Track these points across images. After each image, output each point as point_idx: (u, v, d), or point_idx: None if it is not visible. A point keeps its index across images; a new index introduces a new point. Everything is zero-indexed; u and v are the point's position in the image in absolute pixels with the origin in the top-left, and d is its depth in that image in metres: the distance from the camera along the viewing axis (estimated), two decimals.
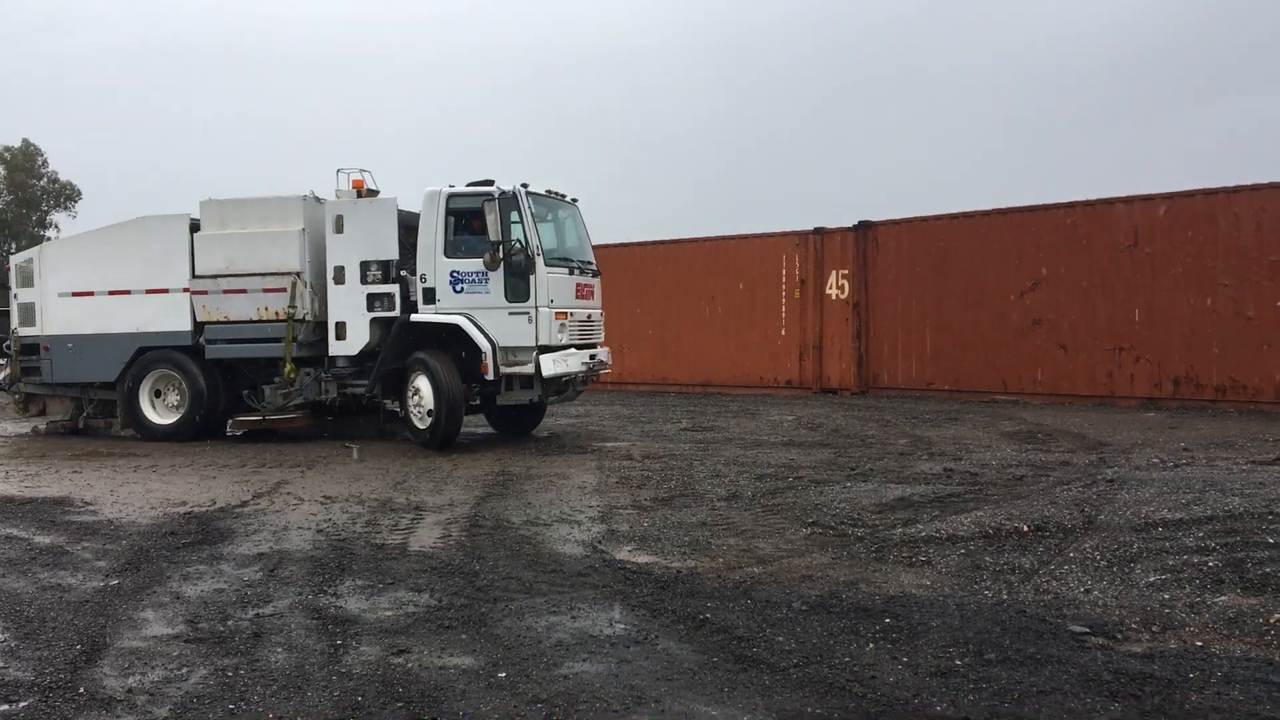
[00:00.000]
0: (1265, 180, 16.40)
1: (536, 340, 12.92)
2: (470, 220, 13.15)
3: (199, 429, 14.56)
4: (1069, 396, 18.20)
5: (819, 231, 21.82)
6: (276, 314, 14.00)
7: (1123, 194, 18.03)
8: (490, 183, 13.14)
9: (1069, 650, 5.26)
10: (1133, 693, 4.67)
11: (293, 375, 14.04)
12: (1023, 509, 8.31)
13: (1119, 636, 5.46)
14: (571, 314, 13.46)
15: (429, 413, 13.10)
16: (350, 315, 13.86)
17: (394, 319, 13.67)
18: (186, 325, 14.52)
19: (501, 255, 12.82)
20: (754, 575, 6.86)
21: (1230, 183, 16.77)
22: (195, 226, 14.63)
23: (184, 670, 5.13)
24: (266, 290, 14.10)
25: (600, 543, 7.89)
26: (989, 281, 19.36)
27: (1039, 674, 4.94)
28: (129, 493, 10.28)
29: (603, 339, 14.71)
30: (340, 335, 13.92)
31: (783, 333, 22.16)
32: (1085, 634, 5.50)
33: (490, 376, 12.88)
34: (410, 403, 13.35)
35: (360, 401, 14.30)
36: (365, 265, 13.73)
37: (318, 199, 14.31)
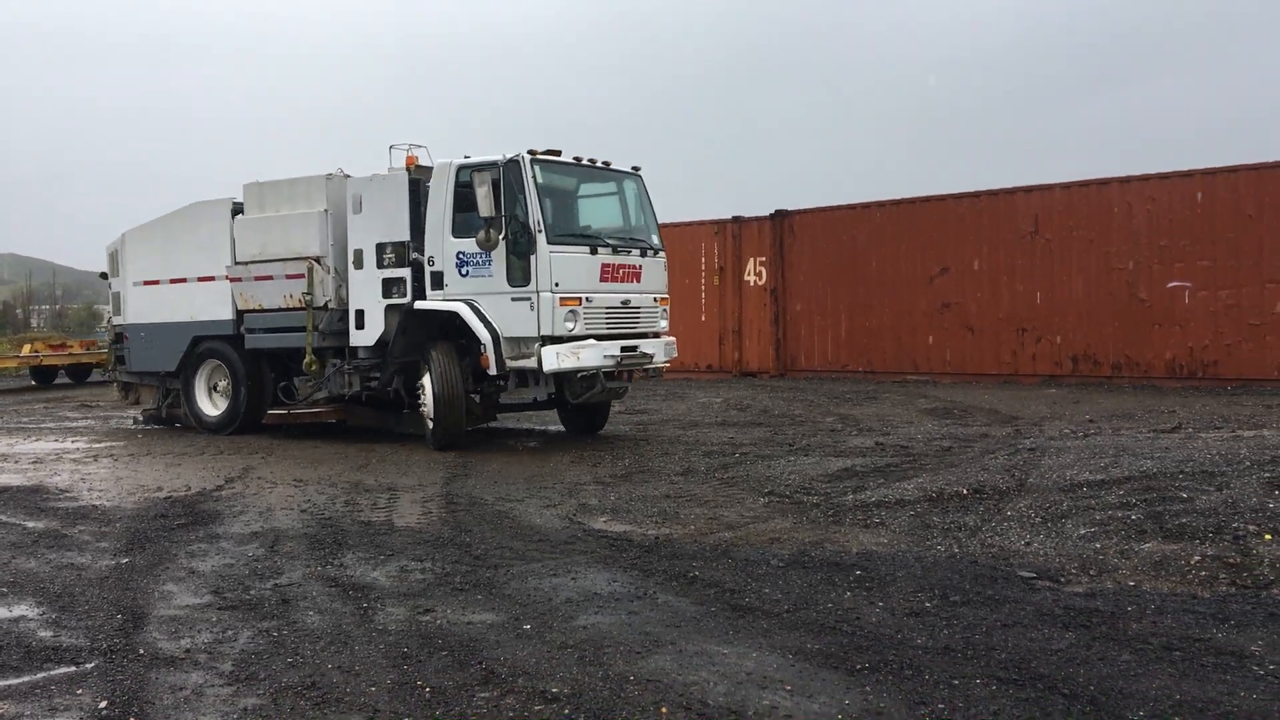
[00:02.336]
0: (1154, 171, 17.60)
1: (538, 330, 11.32)
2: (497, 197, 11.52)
3: (244, 422, 14.11)
4: (976, 375, 19.26)
5: (737, 220, 22.57)
6: (299, 301, 13.22)
7: (1024, 184, 19.13)
8: (556, 153, 11.95)
9: (1021, 592, 5.99)
10: (1082, 624, 5.40)
11: (313, 367, 13.17)
12: (958, 475, 9.08)
13: (1062, 580, 6.21)
14: (589, 299, 11.63)
15: (434, 410, 12.01)
16: (368, 302, 12.77)
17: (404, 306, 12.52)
18: (229, 314, 14.07)
19: (501, 233, 11.39)
20: (727, 539, 7.48)
21: (1123, 172, 17.97)
22: (240, 211, 14.18)
23: (230, 633, 5.54)
24: (289, 276, 13.37)
25: (575, 515, 8.42)
26: (900, 267, 20.32)
27: (999, 611, 5.64)
28: (99, 480, 10.47)
29: (661, 328, 12.85)
30: (360, 324, 12.85)
31: (703, 318, 22.86)
32: (1033, 578, 6.24)
33: (492, 371, 11.53)
34: (421, 399, 12.28)
35: (387, 395, 13.13)
36: (381, 248, 12.62)
37: (346, 175, 13.35)
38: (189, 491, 9.69)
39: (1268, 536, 6.50)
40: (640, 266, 12.46)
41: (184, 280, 14.58)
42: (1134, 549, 6.64)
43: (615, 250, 12.16)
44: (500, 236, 11.39)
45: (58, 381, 28.13)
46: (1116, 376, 17.70)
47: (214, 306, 14.20)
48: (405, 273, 12.41)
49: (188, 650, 5.26)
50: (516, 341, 11.48)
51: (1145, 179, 17.62)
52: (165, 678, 4.87)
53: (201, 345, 14.45)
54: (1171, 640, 5.10)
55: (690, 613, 5.76)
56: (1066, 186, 18.56)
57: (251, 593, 6.31)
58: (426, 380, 11.99)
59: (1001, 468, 9.31)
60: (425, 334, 12.26)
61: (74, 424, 16.89)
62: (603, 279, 11.91)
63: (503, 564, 6.90)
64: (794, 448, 11.44)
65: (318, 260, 13.11)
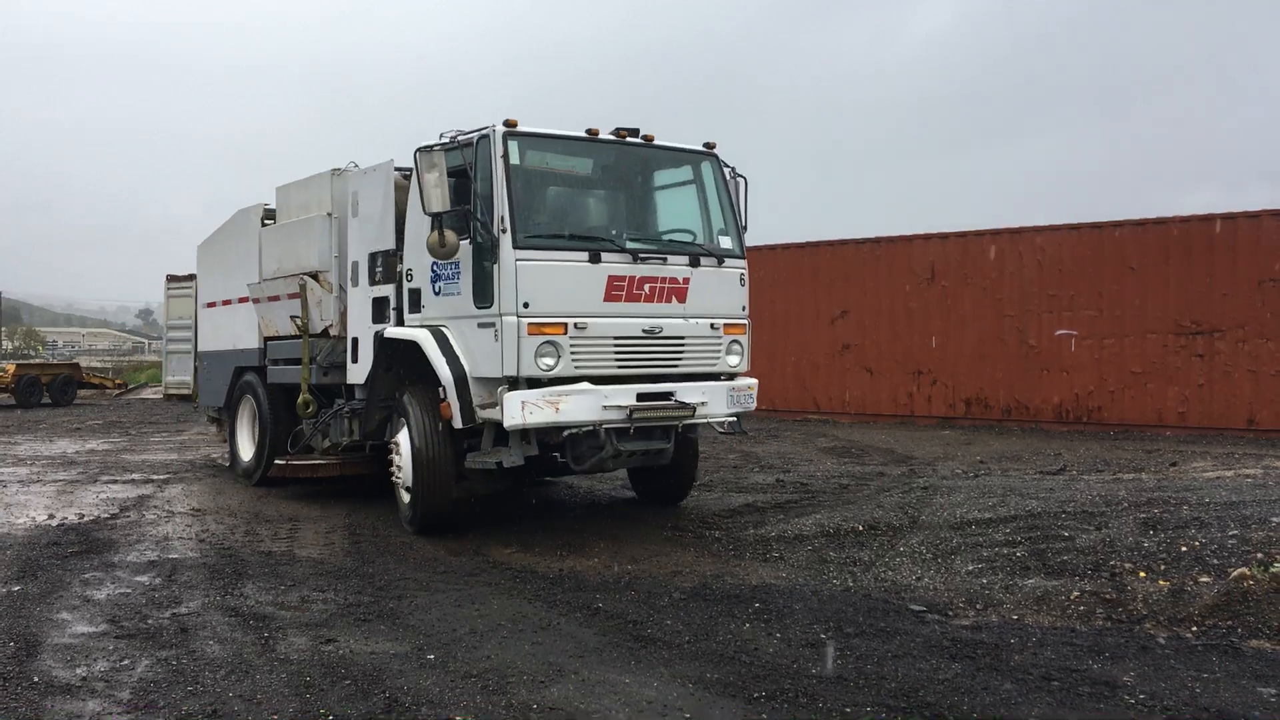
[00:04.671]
0: (1045, 223, 18.35)
1: (501, 367, 8.26)
2: (465, 187, 8.61)
3: (269, 465, 11.58)
4: (874, 416, 19.74)
5: None
6: (297, 327, 10.85)
7: (922, 231, 19.76)
8: (633, 131, 9.12)
9: (912, 624, 6.23)
10: (968, 655, 5.64)
11: (310, 408, 10.64)
12: (854, 512, 9.34)
13: (950, 613, 6.46)
14: (580, 325, 8.37)
15: (410, 478, 9.01)
16: (362, 328, 10.04)
17: None
18: (256, 342, 11.98)
19: (466, 235, 8.49)
20: (630, 571, 7.61)
21: (1016, 223, 18.68)
22: (273, 217, 12.07)
23: (127, 661, 5.48)
24: (290, 296, 11.04)
25: (480, 547, 8.47)
26: (803, 309, 20.79)
27: (891, 643, 5.86)
28: None
29: (729, 367, 9.28)
30: (354, 356, 10.19)
31: None
32: (923, 611, 6.48)
33: (456, 423, 8.54)
34: (393, 463, 9.33)
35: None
36: (373, 259, 9.89)
37: (362, 170, 10.47)
38: (82, 520, 9.49)
39: (1142, 574, 6.85)
40: (686, 280, 9.00)
41: (230, 302, 12.75)
42: (1018, 584, 6.93)
43: (637, 256, 8.76)
44: (463, 240, 8.47)
45: None
46: (1007, 420, 18.30)
47: (249, 333, 12.20)
48: (391, 290, 9.66)
49: (84, 679, 5.19)
50: (487, 383, 8.49)
51: (1036, 230, 18.34)
52: (61, 705, 4.81)
53: (242, 378, 12.42)
54: (1050, 671, 5.36)
55: (594, 643, 5.87)
56: (962, 235, 19.22)
57: (149, 622, 6.24)
58: (402, 435, 9.14)
59: (896, 505, 9.60)
60: (408, 371, 9.41)
61: None
62: (610, 297, 8.60)
63: (406, 595, 6.93)
64: (697, 484, 11.61)
65: (315, 276, 10.74)
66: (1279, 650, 5.59)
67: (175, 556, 8.03)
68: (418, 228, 9.00)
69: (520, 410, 8.04)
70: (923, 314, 19.36)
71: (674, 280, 8.94)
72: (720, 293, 9.28)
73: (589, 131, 8.83)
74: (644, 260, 8.76)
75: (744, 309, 9.48)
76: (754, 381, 9.41)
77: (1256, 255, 15.84)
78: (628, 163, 9.39)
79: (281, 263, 11.38)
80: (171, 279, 28.39)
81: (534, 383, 8.26)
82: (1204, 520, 7.82)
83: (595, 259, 8.53)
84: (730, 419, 9.15)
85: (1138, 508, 8.54)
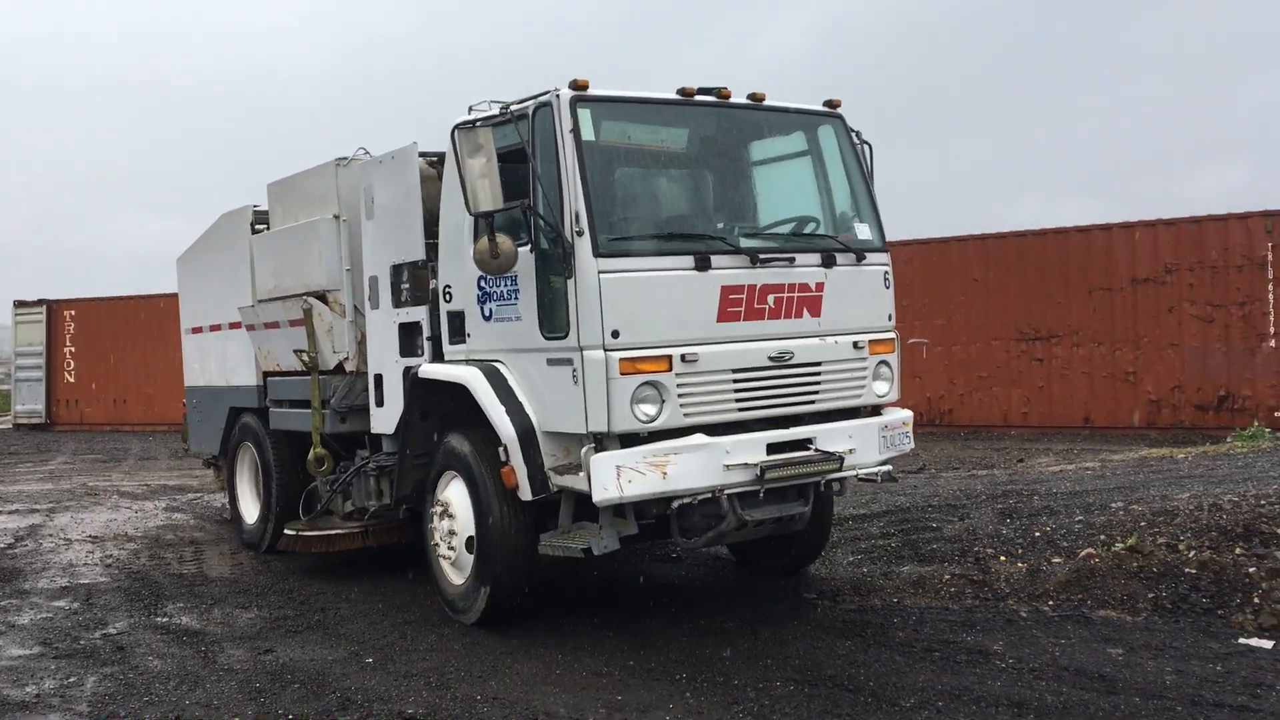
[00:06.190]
0: (894, 239, 19.47)
1: (585, 420, 6.04)
2: (518, 176, 6.38)
3: (277, 533, 8.91)
4: None
5: None
6: (304, 361, 8.65)
7: None
8: (721, 92, 6.79)
9: (807, 610, 6.87)
10: (858, 633, 6.30)
11: (325, 465, 8.46)
12: None
13: (838, 599, 7.12)
14: (689, 356, 6.12)
15: (466, 553, 6.76)
16: (387, 362, 7.70)
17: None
18: (253, 378, 9.64)
19: (524, 240, 6.35)
20: (539, 578, 7.97)
21: None
22: (266, 222, 9.65)
23: (74, 678, 5.69)
24: (292, 323, 8.82)
25: (391, 565, 8.78)
26: None
27: (790, 626, 6.48)
28: None
29: (877, 397, 6.98)
30: (379, 399, 7.80)
31: None
32: (815, 598, 7.14)
33: (525, 494, 6.30)
34: (435, 531, 7.03)
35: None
36: (397, 273, 7.61)
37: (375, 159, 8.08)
38: None
39: (1002, 557, 7.65)
40: (819, 285, 6.78)
41: (219, 327, 10.31)
42: (895, 571, 7.65)
43: (756, 259, 6.54)
44: (521, 246, 6.31)
45: None
46: None
47: (244, 367, 9.82)
48: (423, 314, 7.33)
49: (37, 695, 5.41)
50: (563, 439, 6.34)
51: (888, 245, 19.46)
52: None
53: (240, 420, 10.00)
54: (931, 644, 6.06)
55: (519, 642, 6.32)
56: None
57: (82, 642, 6.43)
58: (456, 498, 6.88)
59: None
60: (451, 417, 7.10)
61: None
62: (725, 316, 6.40)
63: (330, 606, 7.25)
64: None
65: (323, 296, 8.51)
66: (1123, 618, 6.41)
67: (86, 582, 8.14)
68: (455, 231, 6.88)
69: (615, 479, 5.89)
70: None
71: (805, 287, 6.76)
72: (862, 299, 7.07)
73: (681, 91, 6.65)
74: (764, 263, 6.56)
75: (890, 318, 7.23)
76: (908, 415, 7.20)
77: (1086, 267, 17.19)
78: (730, 132, 7.16)
79: (279, 279, 9.09)
80: (19, 304, 27.40)
81: (629, 438, 6.05)
82: (1053, 508, 8.72)
83: (703, 265, 6.33)
84: (884, 468, 6.90)
85: (994, 500, 9.42)
